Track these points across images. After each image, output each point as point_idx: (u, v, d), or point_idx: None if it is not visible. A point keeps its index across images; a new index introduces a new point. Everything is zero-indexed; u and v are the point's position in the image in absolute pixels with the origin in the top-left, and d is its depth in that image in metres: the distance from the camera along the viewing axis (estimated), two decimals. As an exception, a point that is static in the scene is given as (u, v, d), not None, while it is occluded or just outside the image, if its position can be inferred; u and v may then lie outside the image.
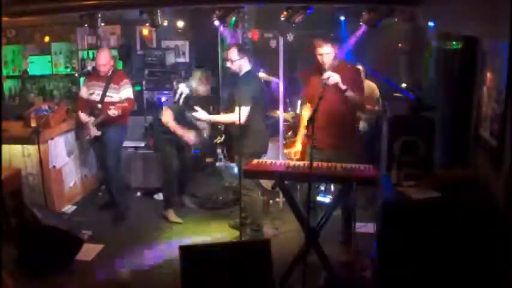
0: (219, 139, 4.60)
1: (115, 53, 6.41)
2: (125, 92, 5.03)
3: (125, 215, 5.20)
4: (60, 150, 5.40)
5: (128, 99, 5.00)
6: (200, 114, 4.34)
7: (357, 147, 4.17)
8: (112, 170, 5.13)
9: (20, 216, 4.36)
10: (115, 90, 5.02)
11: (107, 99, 5.00)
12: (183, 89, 4.76)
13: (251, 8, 5.47)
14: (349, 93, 3.86)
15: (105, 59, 4.99)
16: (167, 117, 4.83)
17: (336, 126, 4.02)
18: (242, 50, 4.38)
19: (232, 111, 4.23)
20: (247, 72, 4.38)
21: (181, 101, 4.74)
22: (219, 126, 4.55)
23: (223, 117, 4.51)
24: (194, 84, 4.86)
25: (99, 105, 4.99)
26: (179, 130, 4.89)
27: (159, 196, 5.82)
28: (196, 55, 6.85)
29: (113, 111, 4.73)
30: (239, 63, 4.31)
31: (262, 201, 4.74)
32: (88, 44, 6.66)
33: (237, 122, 4.03)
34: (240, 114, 4.00)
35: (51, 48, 6.70)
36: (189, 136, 4.93)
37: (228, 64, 4.38)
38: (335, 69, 3.88)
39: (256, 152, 4.29)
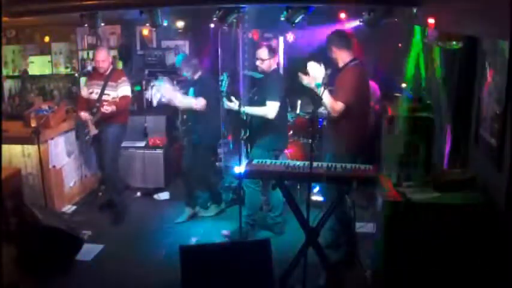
0: (245, 135, 4.59)
1: (115, 53, 6.41)
2: (122, 89, 5.03)
3: (124, 215, 5.19)
4: (60, 150, 5.40)
5: (123, 97, 5.00)
6: (234, 104, 4.40)
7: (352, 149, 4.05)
8: (109, 169, 5.11)
9: (20, 216, 4.36)
10: (113, 88, 5.03)
11: (104, 97, 5.00)
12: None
13: (251, 8, 5.46)
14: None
15: (103, 56, 5.01)
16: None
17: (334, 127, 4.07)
18: (272, 49, 4.53)
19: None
20: (276, 71, 4.58)
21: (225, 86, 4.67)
22: (246, 121, 4.52)
23: (255, 110, 4.47)
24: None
25: (97, 104, 5.00)
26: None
27: (159, 196, 5.83)
28: (197, 55, 6.83)
29: (106, 107, 4.76)
30: (269, 62, 4.47)
31: (261, 198, 4.76)
32: (88, 44, 6.65)
33: (268, 116, 4.29)
34: (270, 109, 4.26)
35: (51, 48, 6.70)
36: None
37: (258, 63, 4.50)
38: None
39: (279, 148, 4.56)
